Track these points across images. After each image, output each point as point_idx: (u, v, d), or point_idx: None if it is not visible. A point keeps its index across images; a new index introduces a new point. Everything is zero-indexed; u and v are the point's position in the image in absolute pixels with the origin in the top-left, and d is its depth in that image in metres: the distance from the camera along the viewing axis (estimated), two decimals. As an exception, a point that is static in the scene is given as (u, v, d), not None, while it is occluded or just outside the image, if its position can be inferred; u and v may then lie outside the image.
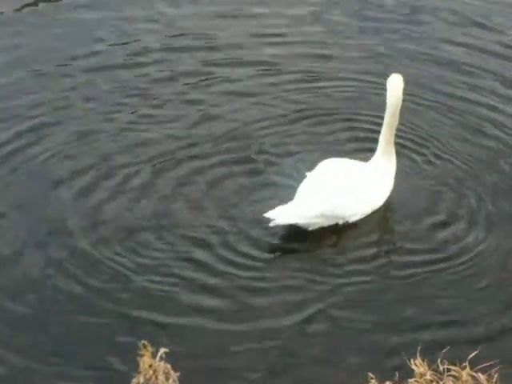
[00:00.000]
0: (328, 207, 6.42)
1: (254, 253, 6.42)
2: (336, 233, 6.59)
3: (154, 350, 4.54)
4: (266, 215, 6.31)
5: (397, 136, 6.88)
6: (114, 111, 8.03)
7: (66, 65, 8.73)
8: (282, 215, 6.32)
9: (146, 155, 7.42)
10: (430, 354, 5.16)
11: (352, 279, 6.25)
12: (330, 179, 6.50)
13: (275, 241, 6.54)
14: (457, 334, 5.79)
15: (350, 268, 6.34)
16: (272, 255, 6.43)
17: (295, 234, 6.54)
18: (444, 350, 5.17)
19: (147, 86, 8.40)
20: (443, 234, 6.66)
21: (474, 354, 5.06)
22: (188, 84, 8.45)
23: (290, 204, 6.43)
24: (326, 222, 6.50)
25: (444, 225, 6.74)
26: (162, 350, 4.59)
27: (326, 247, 6.54)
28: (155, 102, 8.19)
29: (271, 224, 6.34)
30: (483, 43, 9.13)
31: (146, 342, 4.54)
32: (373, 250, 6.51)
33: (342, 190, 6.47)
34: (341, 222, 6.53)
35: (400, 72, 6.68)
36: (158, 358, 4.57)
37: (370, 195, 6.62)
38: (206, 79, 8.53)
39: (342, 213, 6.50)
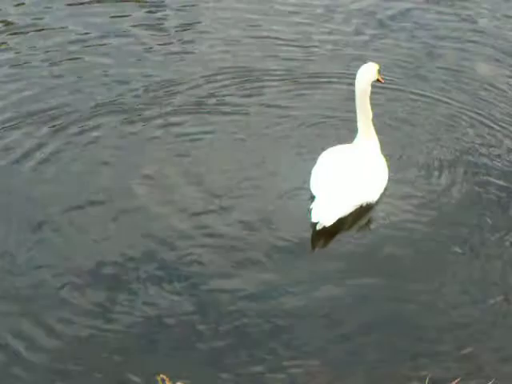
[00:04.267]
0: (363, 195, 6.68)
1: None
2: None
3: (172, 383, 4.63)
4: (313, 220, 6.33)
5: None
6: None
7: None
8: (325, 216, 6.36)
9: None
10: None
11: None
12: (346, 168, 6.70)
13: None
14: (467, 366, 5.69)
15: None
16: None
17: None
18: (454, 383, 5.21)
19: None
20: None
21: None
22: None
23: (322, 202, 6.45)
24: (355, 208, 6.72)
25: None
26: None
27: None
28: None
29: (318, 227, 6.35)
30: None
31: (164, 376, 4.61)
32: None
33: (365, 175, 6.73)
34: (365, 204, 6.74)
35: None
36: (174, 390, 4.68)
37: (383, 175, 6.94)
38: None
39: (372, 197, 6.76)
